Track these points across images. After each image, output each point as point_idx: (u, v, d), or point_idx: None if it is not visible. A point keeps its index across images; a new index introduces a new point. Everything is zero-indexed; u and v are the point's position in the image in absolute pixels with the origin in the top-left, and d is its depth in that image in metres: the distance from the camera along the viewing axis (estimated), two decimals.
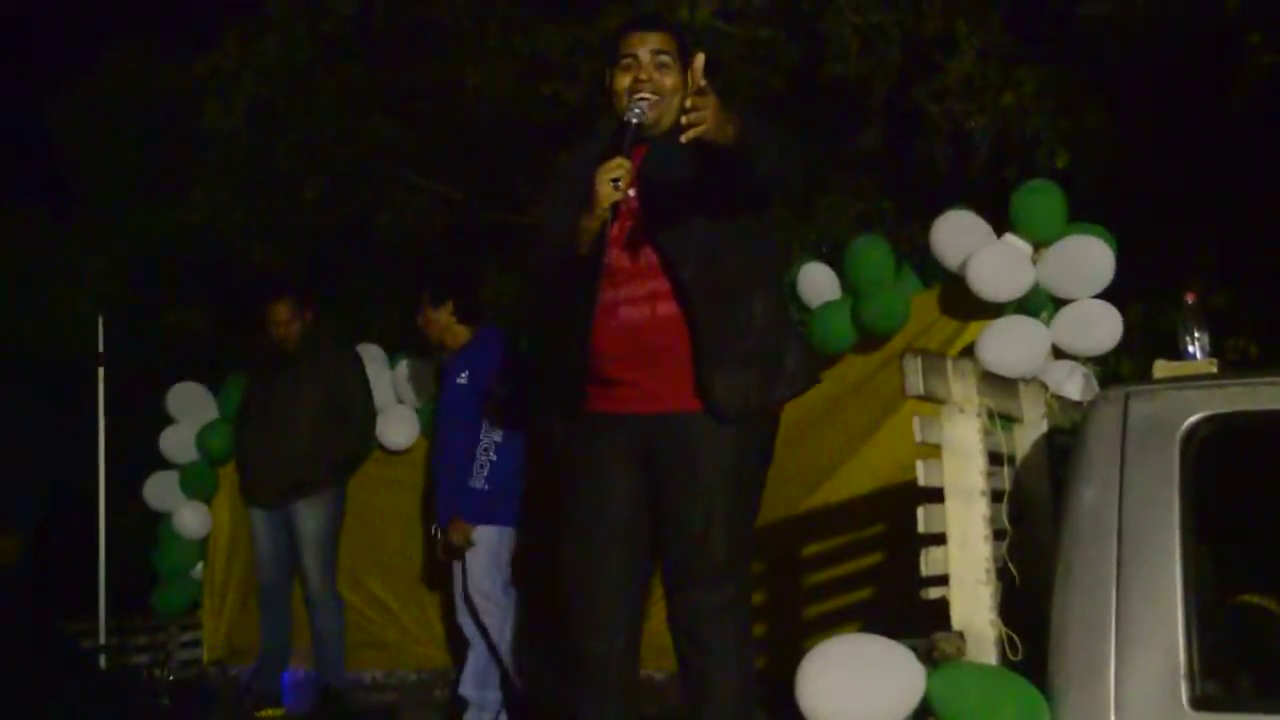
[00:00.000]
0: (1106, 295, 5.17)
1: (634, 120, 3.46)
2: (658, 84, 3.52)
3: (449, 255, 8.57)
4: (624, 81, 3.54)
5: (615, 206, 3.40)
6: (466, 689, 5.51)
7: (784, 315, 3.68)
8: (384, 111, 9.48)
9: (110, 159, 10.61)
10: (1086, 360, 5.14)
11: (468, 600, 5.49)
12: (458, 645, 5.77)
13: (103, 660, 6.65)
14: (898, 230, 6.30)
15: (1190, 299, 3.44)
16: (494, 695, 5.48)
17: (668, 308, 3.48)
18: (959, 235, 5.25)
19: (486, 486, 5.36)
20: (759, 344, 3.49)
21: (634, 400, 3.51)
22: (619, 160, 3.37)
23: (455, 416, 5.49)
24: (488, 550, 5.39)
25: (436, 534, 5.55)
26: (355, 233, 9.61)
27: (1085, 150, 7.28)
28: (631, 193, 3.50)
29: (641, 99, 3.47)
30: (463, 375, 5.51)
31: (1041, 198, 5.28)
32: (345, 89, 9.49)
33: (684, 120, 3.11)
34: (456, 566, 5.53)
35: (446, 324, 5.66)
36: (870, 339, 5.52)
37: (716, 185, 3.38)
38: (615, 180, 3.35)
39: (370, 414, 6.31)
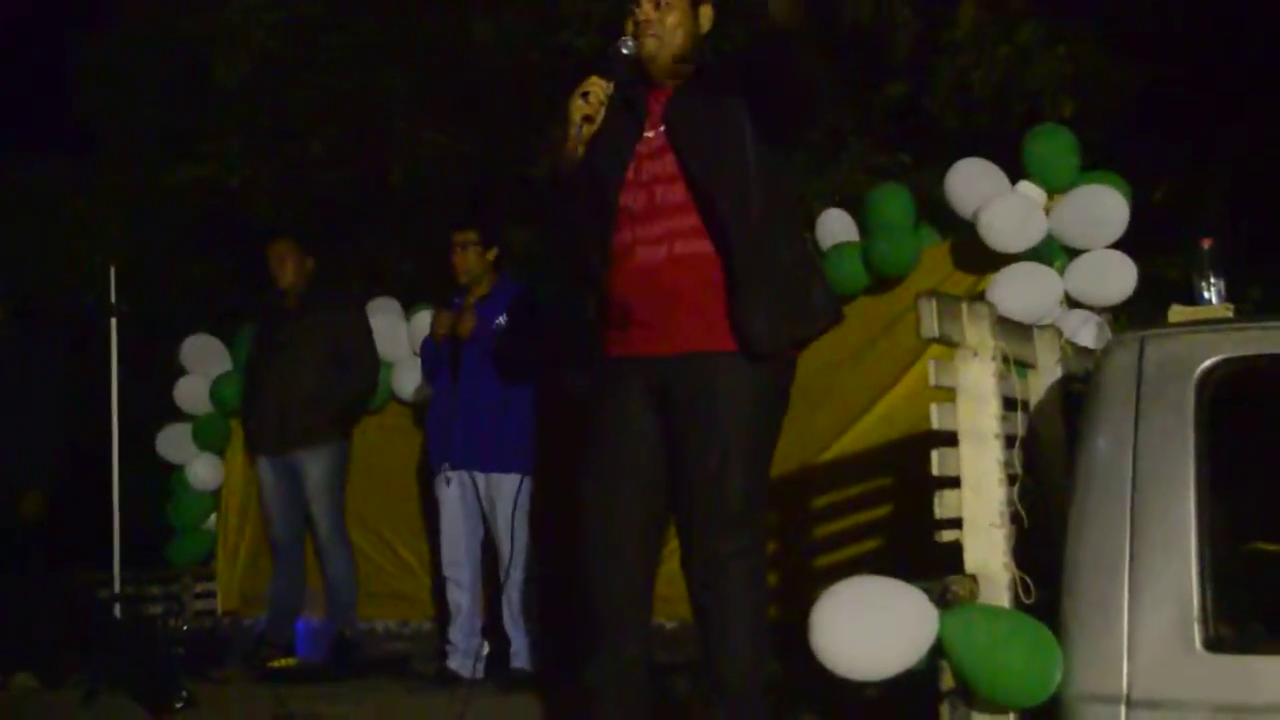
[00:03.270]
0: (1120, 245, 5.16)
1: (624, 51, 3.56)
2: (657, 28, 3.58)
3: (490, 201, 8.51)
4: (629, 28, 3.63)
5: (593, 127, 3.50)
6: (457, 636, 5.54)
7: (808, 253, 3.71)
8: (394, 65, 9.43)
9: (127, 110, 10.58)
10: (1101, 310, 5.13)
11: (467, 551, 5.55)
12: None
13: (118, 610, 6.69)
14: (913, 181, 6.26)
15: (1206, 244, 3.41)
16: (478, 640, 5.54)
17: (685, 247, 3.50)
18: (973, 184, 5.24)
19: (524, 433, 5.41)
20: (788, 281, 3.51)
21: (651, 341, 3.52)
22: (593, 78, 3.48)
23: (491, 362, 5.45)
24: (528, 497, 5.44)
25: (448, 479, 5.55)
26: (368, 187, 9.58)
27: (1094, 98, 7.25)
28: (650, 134, 3.56)
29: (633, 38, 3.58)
30: (500, 320, 5.50)
31: (1053, 141, 5.26)
32: (354, 42, 9.44)
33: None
34: (463, 516, 5.55)
35: (486, 268, 5.64)
36: (886, 287, 5.53)
37: (740, 123, 3.45)
38: (585, 94, 3.47)
39: (372, 363, 6.32)
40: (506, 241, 5.81)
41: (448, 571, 5.62)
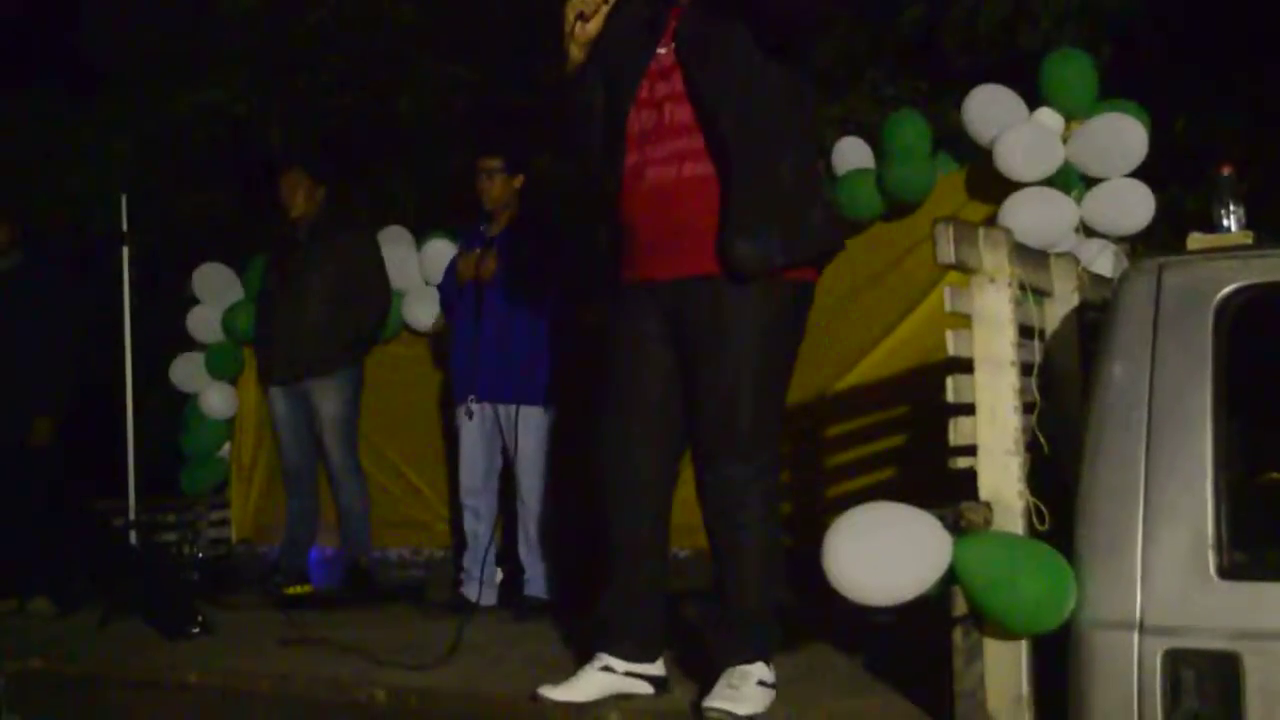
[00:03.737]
0: (1137, 174, 5.12)
1: None
2: None
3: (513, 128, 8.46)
4: None
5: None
6: (471, 565, 5.56)
7: (813, 180, 3.62)
8: None
9: (132, 39, 10.52)
10: (1118, 240, 5.10)
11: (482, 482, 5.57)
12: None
13: (133, 538, 6.72)
14: (929, 110, 6.22)
15: (1225, 171, 3.38)
16: (492, 568, 5.54)
17: (694, 168, 3.45)
18: (991, 111, 5.19)
19: (546, 365, 5.41)
20: (784, 204, 3.44)
21: (662, 265, 3.49)
22: None
23: (517, 292, 5.43)
24: (549, 428, 5.45)
25: (470, 412, 5.54)
26: (375, 115, 9.54)
27: (1102, 28, 7.20)
28: (662, 51, 3.51)
29: None
30: (523, 250, 5.47)
31: (1072, 65, 5.21)
32: None
33: None
34: (483, 446, 5.56)
35: (512, 195, 5.61)
36: (901, 214, 5.50)
37: (750, 40, 3.38)
38: None
39: (384, 292, 6.28)
40: (530, 167, 5.75)
41: (465, 500, 5.62)
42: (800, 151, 3.53)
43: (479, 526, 5.58)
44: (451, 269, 5.78)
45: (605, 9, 3.44)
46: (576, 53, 3.53)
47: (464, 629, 4.31)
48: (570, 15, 3.48)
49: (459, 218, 6.93)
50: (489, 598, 5.49)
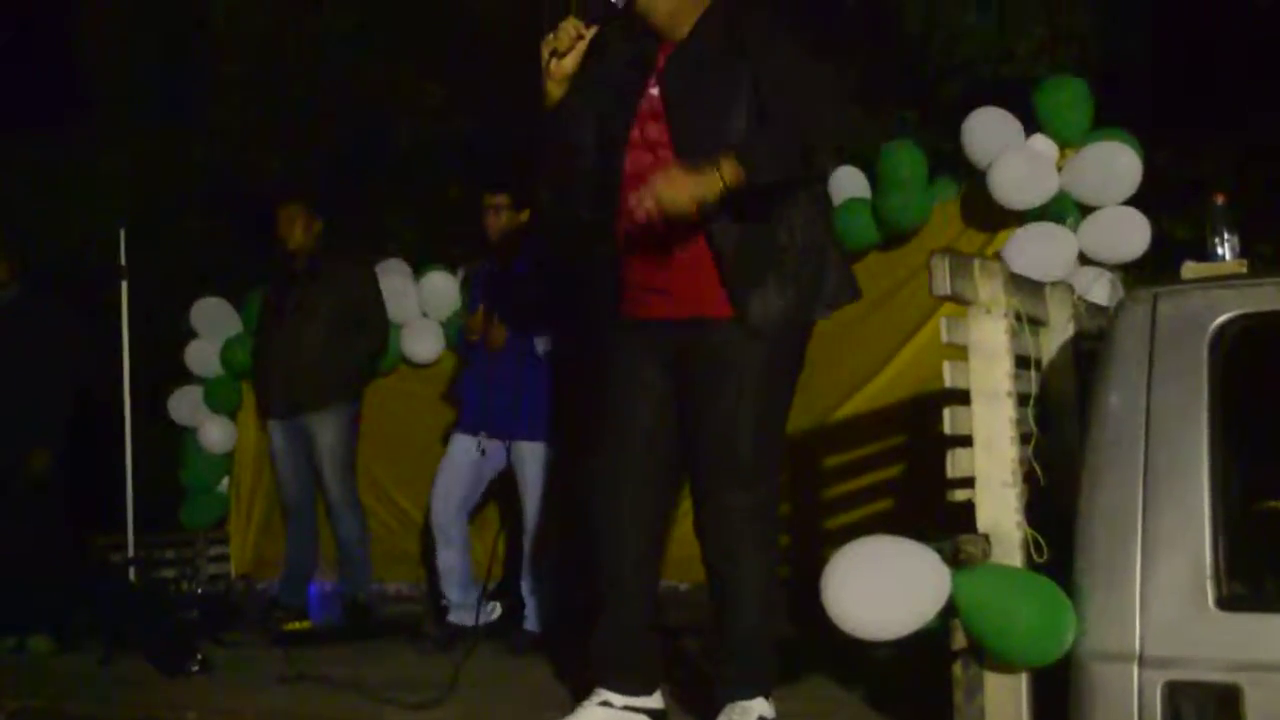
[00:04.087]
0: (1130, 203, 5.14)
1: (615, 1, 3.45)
2: None
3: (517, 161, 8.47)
4: None
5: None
6: (454, 594, 5.54)
7: (825, 229, 3.55)
8: (400, 22, 9.44)
9: (129, 69, 10.55)
10: (1113, 268, 5.10)
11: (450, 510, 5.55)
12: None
13: (131, 573, 6.71)
14: (920, 137, 6.23)
15: (1219, 200, 3.38)
16: (479, 596, 5.42)
17: None
18: (989, 133, 5.20)
19: (552, 401, 5.40)
20: (798, 262, 3.40)
21: (660, 305, 3.48)
22: (569, 18, 3.40)
23: (527, 331, 5.43)
24: (553, 463, 5.44)
25: (482, 448, 5.52)
26: (373, 147, 9.57)
27: (1082, 56, 7.24)
28: (654, 91, 3.48)
29: None
30: (534, 286, 5.46)
31: (1066, 93, 5.22)
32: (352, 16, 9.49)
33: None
34: (469, 477, 5.55)
35: (519, 231, 5.61)
36: (897, 244, 5.50)
37: (741, 88, 3.35)
38: (554, 32, 3.40)
39: (383, 325, 6.28)
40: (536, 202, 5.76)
41: (435, 519, 5.55)
42: (809, 202, 3.49)
43: (453, 557, 5.54)
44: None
45: (582, 45, 3.42)
46: (554, 90, 3.49)
47: (465, 660, 4.29)
48: (545, 52, 3.45)
49: (457, 250, 6.94)
50: (482, 617, 5.45)
